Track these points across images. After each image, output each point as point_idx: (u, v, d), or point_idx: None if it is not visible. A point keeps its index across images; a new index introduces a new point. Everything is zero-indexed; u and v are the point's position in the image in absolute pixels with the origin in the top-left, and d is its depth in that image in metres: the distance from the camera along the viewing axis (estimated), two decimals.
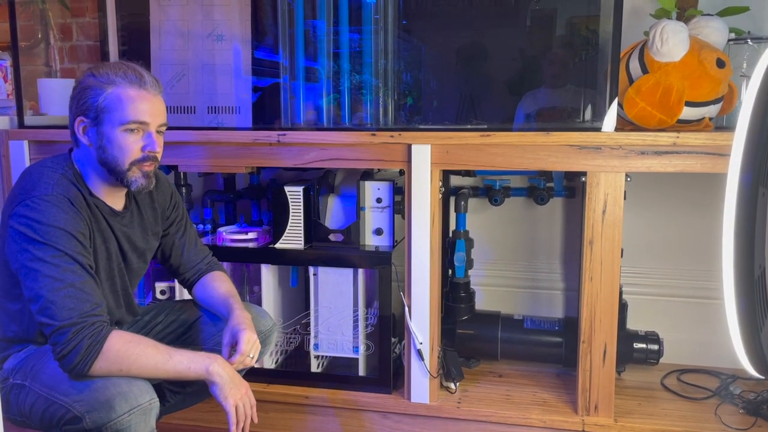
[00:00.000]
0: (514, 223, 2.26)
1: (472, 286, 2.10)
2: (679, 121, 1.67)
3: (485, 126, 1.87)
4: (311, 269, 1.94)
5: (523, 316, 2.09)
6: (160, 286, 2.05)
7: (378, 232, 1.92)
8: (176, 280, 1.73)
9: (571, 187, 2.14)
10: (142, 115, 1.35)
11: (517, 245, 2.27)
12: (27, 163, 1.94)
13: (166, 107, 1.43)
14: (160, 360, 1.29)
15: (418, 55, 2.08)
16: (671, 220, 2.14)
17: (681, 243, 2.14)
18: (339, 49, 1.95)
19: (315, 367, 1.99)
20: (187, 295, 1.73)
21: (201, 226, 2.14)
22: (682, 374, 2.06)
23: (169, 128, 1.47)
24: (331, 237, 1.95)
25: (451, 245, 2.06)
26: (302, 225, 1.92)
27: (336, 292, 1.93)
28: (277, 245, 1.94)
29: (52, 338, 1.24)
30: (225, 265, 1.86)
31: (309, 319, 1.97)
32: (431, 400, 1.85)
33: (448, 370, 1.94)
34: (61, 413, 1.26)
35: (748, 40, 1.80)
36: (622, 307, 1.96)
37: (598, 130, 1.69)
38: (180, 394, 1.61)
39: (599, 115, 1.75)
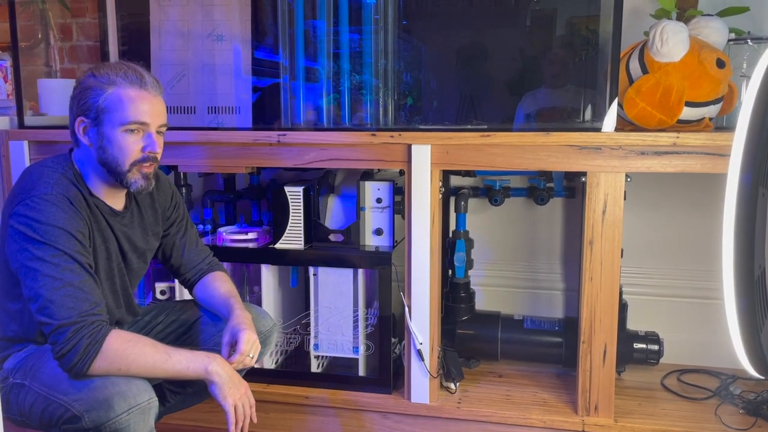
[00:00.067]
0: (514, 224, 2.26)
1: (472, 287, 2.10)
2: (679, 122, 1.67)
3: (485, 126, 1.87)
4: (311, 269, 1.94)
5: (523, 316, 2.09)
6: (160, 286, 2.05)
7: (378, 232, 1.92)
8: (177, 281, 1.73)
9: (571, 188, 2.14)
10: (143, 116, 1.35)
11: (517, 245, 2.27)
12: (27, 164, 1.94)
13: (167, 108, 1.43)
14: (159, 359, 1.29)
15: (418, 55, 2.08)
16: (671, 220, 2.14)
17: (681, 243, 2.14)
18: (339, 50, 1.95)
19: (315, 367, 1.99)
20: (187, 296, 1.73)
21: (201, 227, 2.14)
22: (682, 374, 2.06)
23: (169, 128, 1.47)
24: (331, 237, 1.95)
25: (451, 245, 2.06)
26: (302, 225, 1.92)
27: (336, 293, 1.93)
28: (277, 245, 1.94)
29: (51, 337, 1.24)
30: (225, 265, 1.86)
31: (309, 319, 1.98)
32: (431, 400, 1.85)
33: (448, 371, 1.94)
34: (60, 412, 1.26)
35: (748, 41, 1.80)
36: (622, 308, 1.96)
37: (598, 130, 1.69)
38: (180, 395, 1.62)
39: (599, 115, 1.75)
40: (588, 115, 1.93)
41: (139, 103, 1.35)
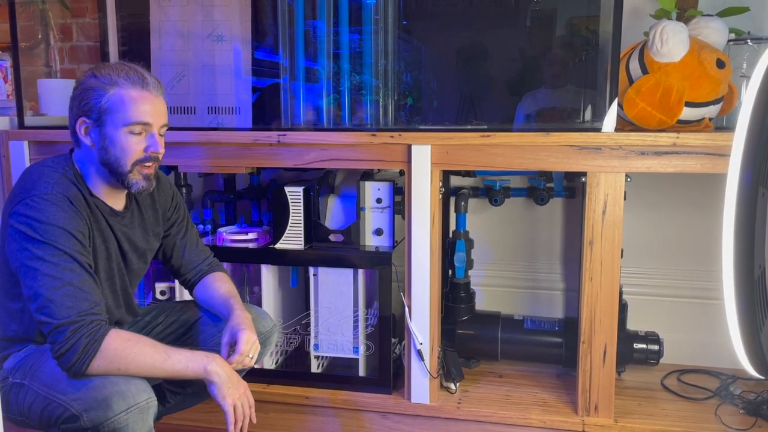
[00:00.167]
0: (514, 224, 2.26)
1: (472, 287, 2.10)
2: (679, 122, 1.67)
3: (485, 126, 1.87)
4: (311, 269, 1.94)
5: (523, 316, 2.09)
6: (160, 286, 2.06)
7: (378, 232, 1.92)
8: (177, 281, 1.73)
9: (571, 188, 2.14)
10: (145, 116, 1.36)
11: (517, 245, 2.27)
12: (27, 164, 1.95)
13: (167, 108, 1.43)
14: (158, 359, 1.29)
15: (418, 56, 2.08)
16: (671, 220, 2.14)
17: (681, 243, 2.14)
18: (339, 50, 1.95)
19: (315, 367, 1.99)
20: (187, 296, 1.73)
21: (201, 227, 2.14)
22: (682, 374, 2.06)
23: (170, 129, 1.47)
24: (331, 237, 1.95)
25: (451, 245, 2.06)
26: (302, 225, 1.92)
27: (336, 293, 1.93)
28: (277, 245, 1.94)
29: (51, 336, 1.24)
30: (225, 265, 1.86)
31: (309, 319, 1.97)
32: (431, 400, 1.85)
33: (448, 371, 1.94)
34: (59, 412, 1.26)
35: (748, 41, 1.80)
36: (622, 308, 1.96)
37: (598, 130, 1.69)
38: (180, 395, 1.62)
39: (599, 115, 1.76)
40: (588, 115, 1.93)
41: (142, 104, 1.35)
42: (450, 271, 2.09)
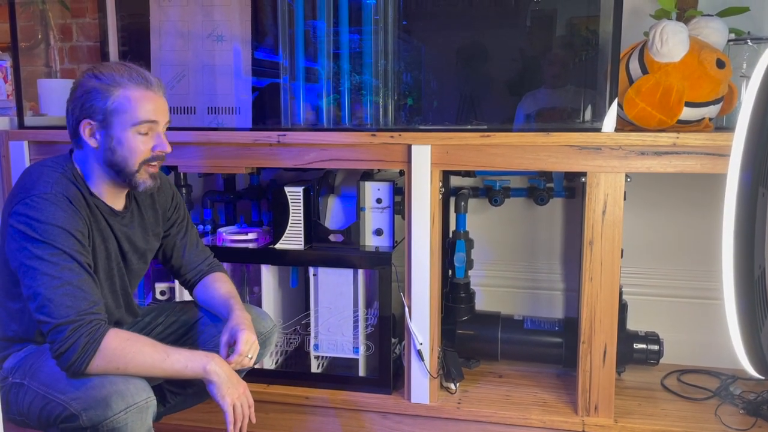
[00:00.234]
0: (514, 224, 2.26)
1: (472, 287, 2.10)
2: (679, 122, 1.67)
3: (485, 126, 1.87)
4: (311, 270, 1.94)
5: (523, 316, 2.09)
6: (160, 286, 2.06)
7: (378, 232, 1.92)
8: (177, 281, 1.73)
9: (571, 188, 2.14)
10: (152, 115, 1.36)
11: (517, 246, 2.27)
12: (27, 164, 1.95)
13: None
14: (158, 358, 1.29)
15: (418, 56, 2.08)
16: (671, 220, 2.14)
17: (681, 243, 2.14)
18: (339, 50, 1.95)
19: (315, 367, 1.99)
20: (187, 296, 1.73)
21: (201, 227, 2.14)
22: (682, 375, 2.06)
23: (169, 129, 1.47)
24: (331, 237, 1.95)
25: (451, 246, 2.06)
26: (302, 225, 1.92)
27: (336, 293, 1.93)
28: (277, 246, 1.94)
29: (50, 336, 1.24)
30: (225, 265, 1.86)
31: (309, 319, 1.97)
32: (431, 400, 1.85)
33: (448, 371, 1.94)
34: (58, 411, 1.26)
35: (748, 41, 1.80)
36: (622, 308, 1.96)
37: (598, 130, 1.69)
38: (180, 395, 1.62)
39: (599, 115, 1.76)
40: (588, 115, 1.93)
41: (147, 103, 1.36)
42: (450, 272, 2.09)
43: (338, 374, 2.00)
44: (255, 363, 1.48)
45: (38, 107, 2.21)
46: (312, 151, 1.82)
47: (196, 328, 1.62)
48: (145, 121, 1.36)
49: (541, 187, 2.08)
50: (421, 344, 1.82)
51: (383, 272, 1.86)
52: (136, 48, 2.13)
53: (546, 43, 2.06)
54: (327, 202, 2.04)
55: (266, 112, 2.02)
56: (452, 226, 2.10)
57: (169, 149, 1.41)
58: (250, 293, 2.13)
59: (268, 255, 1.95)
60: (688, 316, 2.14)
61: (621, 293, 1.87)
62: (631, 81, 1.72)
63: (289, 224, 1.93)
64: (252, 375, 1.69)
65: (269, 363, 2.00)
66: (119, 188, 1.44)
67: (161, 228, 1.59)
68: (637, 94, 1.65)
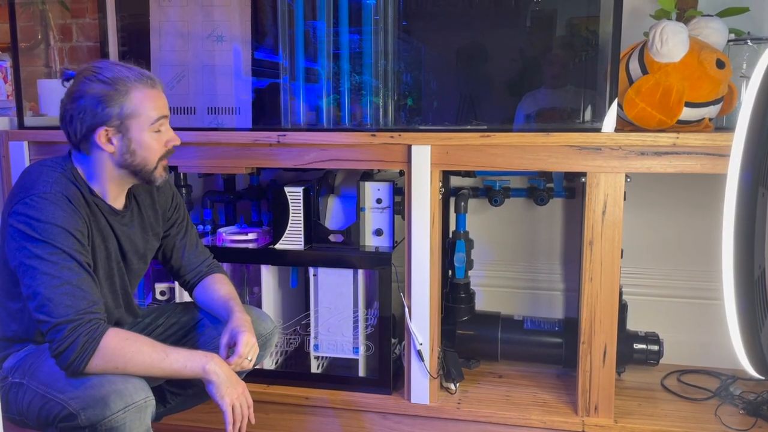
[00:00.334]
0: (514, 224, 2.26)
1: (472, 287, 2.10)
2: (679, 122, 1.67)
3: (485, 127, 1.87)
4: (311, 270, 1.94)
5: (523, 316, 2.09)
6: (159, 287, 2.06)
7: (378, 232, 1.92)
8: (177, 282, 1.73)
9: (571, 188, 2.14)
10: (163, 110, 1.39)
11: (517, 246, 2.27)
12: (27, 164, 1.94)
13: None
14: (157, 358, 1.29)
15: (418, 56, 2.08)
16: (671, 220, 2.13)
17: (681, 243, 2.13)
18: (339, 50, 1.95)
19: (315, 367, 1.99)
20: (187, 297, 1.73)
21: (201, 227, 2.14)
22: (682, 375, 2.05)
23: None
24: (331, 238, 1.95)
25: (451, 246, 2.06)
26: (302, 226, 1.92)
27: (336, 293, 1.93)
28: (277, 246, 1.94)
29: (49, 335, 1.24)
30: (225, 265, 1.86)
31: (309, 320, 1.97)
32: (431, 400, 1.85)
33: (448, 371, 1.94)
34: (57, 410, 1.26)
35: (748, 41, 1.80)
36: (622, 308, 1.96)
37: (598, 130, 1.69)
38: (180, 396, 1.62)
39: (599, 115, 1.75)
40: (588, 115, 1.93)
41: (157, 101, 1.38)
42: (450, 272, 2.09)
43: (338, 374, 2.00)
44: (255, 365, 1.48)
45: (38, 107, 2.21)
46: (312, 152, 1.82)
47: (196, 329, 1.62)
48: (159, 119, 1.38)
49: (541, 188, 2.08)
50: (421, 344, 1.82)
51: (383, 272, 1.86)
52: (136, 48, 2.13)
53: (546, 43, 2.06)
54: (327, 202, 2.04)
55: (266, 112, 2.02)
56: (452, 227, 2.10)
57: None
58: (250, 293, 2.13)
59: (268, 255, 1.95)
60: (688, 316, 2.14)
61: (621, 293, 1.87)
62: (631, 81, 1.72)
63: (289, 224, 1.93)
64: (252, 375, 1.69)
65: (269, 363, 1.99)
66: (123, 187, 1.44)
67: (161, 228, 1.59)
68: (637, 94, 1.65)
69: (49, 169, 1.36)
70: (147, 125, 1.36)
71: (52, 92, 2.19)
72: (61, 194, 1.32)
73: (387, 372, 1.90)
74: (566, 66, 2.03)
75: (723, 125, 1.87)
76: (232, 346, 1.43)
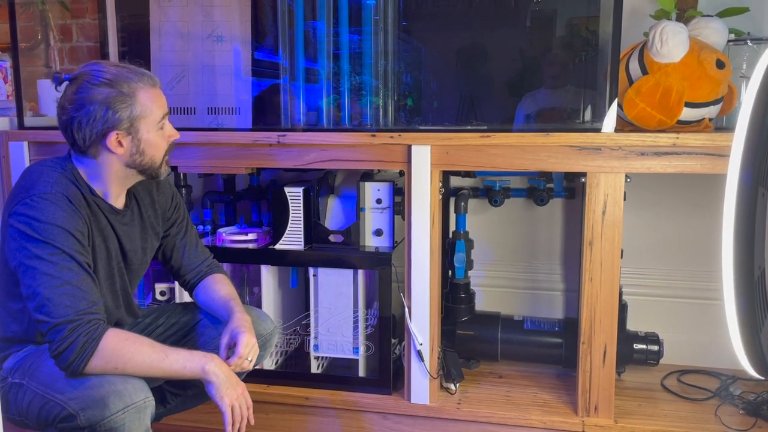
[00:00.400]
0: (514, 224, 2.26)
1: (472, 287, 2.10)
2: (679, 122, 1.67)
3: (485, 127, 1.87)
4: (311, 270, 1.94)
5: (523, 317, 2.09)
6: (160, 287, 2.05)
7: (378, 233, 1.92)
8: (177, 282, 1.73)
9: (571, 188, 2.14)
10: (165, 107, 1.42)
11: (517, 246, 2.27)
12: (27, 164, 1.94)
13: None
14: (156, 358, 1.29)
15: (418, 56, 2.08)
16: (671, 220, 2.13)
17: (681, 244, 2.13)
18: (339, 50, 1.95)
19: (315, 368, 1.99)
20: (187, 298, 1.73)
21: (201, 227, 2.14)
22: (682, 375, 2.05)
23: None
24: (331, 238, 1.95)
25: (451, 246, 2.06)
26: (302, 226, 1.92)
27: (336, 293, 1.93)
28: (277, 246, 1.94)
29: (48, 335, 1.24)
30: (225, 266, 1.86)
31: (309, 320, 1.97)
32: (431, 401, 1.85)
33: (448, 371, 1.94)
34: (56, 411, 1.26)
35: (748, 41, 1.80)
36: (622, 308, 1.96)
37: (598, 130, 1.69)
38: (180, 396, 1.62)
39: (599, 115, 1.76)
40: (588, 115, 1.93)
41: (159, 99, 1.40)
42: (450, 272, 2.09)
43: (338, 375, 2.00)
44: (255, 365, 1.48)
45: (38, 108, 2.21)
46: (312, 152, 1.82)
47: (196, 330, 1.61)
48: (163, 117, 1.40)
49: (541, 188, 2.08)
50: (421, 345, 1.82)
51: (383, 273, 1.86)
52: (136, 48, 2.13)
53: (546, 43, 2.06)
54: (327, 202, 2.04)
55: (266, 112, 2.02)
56: (452, 227, 2.10)
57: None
58: (250, 294, 2.13)
59: (268, 255, 1.95)
60: (688, 317, 2.14)
61: (621, 293, 1.87)
62: (630, 81, 1.72)
63: (289, 225, 1.93)
64: (252, 375, 1.69)
65: (269, 363, 1.99)
66: (125, 186, 1.45)
67: (161, 227, 1.59)
68: (637, 94, 1.65)
69: (49, 170, 1.36)
70: (154, 124, 1.38)
71: (52, 92, 2.19)
72: (61, 194, 1.32)
73: (387, 372, 1.90)
74: (566, 66, 2.03)
75: (723, 125, 1.87)
76: (232, 347, 1.43)
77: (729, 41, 1.78)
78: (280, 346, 2.05)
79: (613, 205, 1.68)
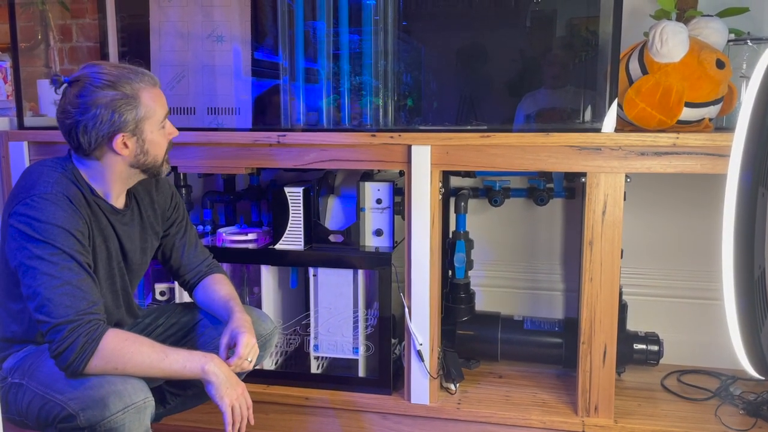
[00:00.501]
0: (514, 224, 2.26)
1: (472, 287, 2.10)
2: (679, 122, 1.67)
3: (485, 127, 1.87)
4: (311, 270, 1.94)
5: (523, 317, 2.09)
6: (159, 287, 2.05)
7: (378, 233, 1.92)
8: (177, 282, 1.73)
9: (571, 188, 2.14)
10: (166, 106, 1.42)
11: (517, 246, 2.27)
12: (27, 164, 1.94)
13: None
14: (156, 358, 1.29)
15: (418, 56, 2.08)
16: (671, 220, 2.13)
17: (681, 244, 2.13)
18: (339, 50, 1.95)
19: (315, 368, 1.99)
20: (187, 298, 1.73)
21: (201, 227, 2.14)
22: (682, 375, 2.05)
23: None
24: (331, 238, 1.95)
25: (451, 246, 2.06)
26: (302, 226, 1.92)
27: (336, 293, 1.93)
28: (277, 246, 1.94)
29: (48, 335, 1.24)
30: (225, 266, 1.86)
31: (309, 320, 1.97)
32: (431, 401, 1.85)
33: (448, 371, 1.94)
34: (56, 411, 1.26)
35: (748, 41, 1.80)
36: (622, 308, 1.96)
37: (598, 130, 1.69)
38: (180, 397, 1.61)
39: (599, 115, 1.75)
40: (588, 115, 1.93)
41: (160, 98, 1.41)
42: (450, 272, 2.09)
43: (338, 375, 2.00)
44: (255, 365, 1.48)
45: (38, 108, 2.21)
46: (312, 152, 1.82)
47: (196, 330, 1.61)
48: (164, 116, 1.41)
49: (541, 188, 2.08)
50: (421, 345, 1.82)
51: (383, 273, 1.86)
52: (136, 48, 2.13)
53: (546, 43, 2.06)
54: (327, 202, 2.04)
55: (266, 112, 2.02)
56: (452, 227, 2.10)
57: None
58: (250, 294, 2.13)
59: (267, 255, 1.95)
60: (688, 317, 2.14)
61: (621, 293, 1.87)
62: (630, 81, 1.72)
63: (289, 225, 1.93)
64: (252, 375, 1.69)
65: (269, 364, 1.99)
66: (127, 186, 1.46)
67: (160, 227, 1.59)
68: (637, 94, 1.65)
69: (49, 170, 1.36)
70: (157, 124, 1.39)
71: (52, 93, 2.19)
72: (61, 194, 1.32)
73: (387, 372, 1.90)
74: (566, 66, 2.03)
75: (723, 125, 1.87)
76: (232, 347, 1.43)
77: (729, 41, 1.78)
78: (280, 346, 2.05)
79: (613, 205, 1.68)
